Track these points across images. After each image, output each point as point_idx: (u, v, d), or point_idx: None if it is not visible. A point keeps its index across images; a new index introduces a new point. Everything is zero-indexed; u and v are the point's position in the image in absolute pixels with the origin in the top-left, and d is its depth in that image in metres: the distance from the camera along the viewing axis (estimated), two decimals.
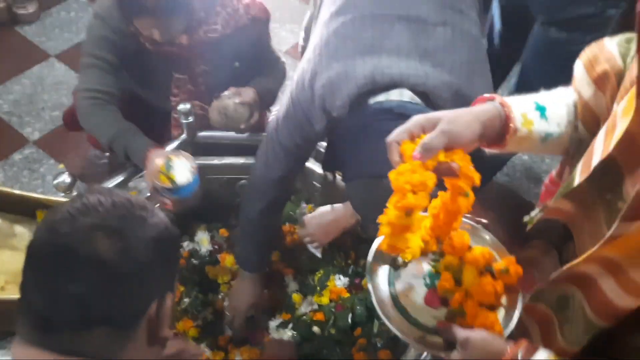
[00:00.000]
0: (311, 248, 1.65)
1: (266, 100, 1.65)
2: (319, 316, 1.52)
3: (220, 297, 1.63)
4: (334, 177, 1.58)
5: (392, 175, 0.70)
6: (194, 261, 1.65)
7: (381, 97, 1.03)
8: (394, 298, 0.82)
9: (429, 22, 1.08)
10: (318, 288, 1.59)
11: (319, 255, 1.64)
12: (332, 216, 1.59)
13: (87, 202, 0.71)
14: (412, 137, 0.72)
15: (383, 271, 0.84)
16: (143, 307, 0.71)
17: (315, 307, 1.56)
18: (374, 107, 1.03)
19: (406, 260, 0.82)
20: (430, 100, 1.03)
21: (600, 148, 0.68)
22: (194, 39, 1.49)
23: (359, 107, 1.05)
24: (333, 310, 1.52)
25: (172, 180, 1.33)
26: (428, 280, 0.83)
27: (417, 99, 1.03)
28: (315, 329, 1.50)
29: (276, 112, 1.30)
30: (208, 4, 1.48)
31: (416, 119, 0.73)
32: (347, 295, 1.55)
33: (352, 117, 1.06)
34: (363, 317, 1.48)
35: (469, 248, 0.82)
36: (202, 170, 1.65)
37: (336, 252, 1.65)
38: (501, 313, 0.78)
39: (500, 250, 0.83)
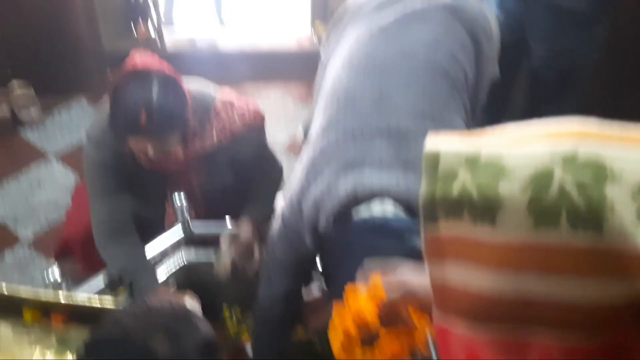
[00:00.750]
0: None
1: (264, 226, 1.59)
2: None
3: None
4: None
5: (350, 290, 0.78)
6: None
7: (364, 211, 1.04)
8: None
9: (409, 133, 1.10)
10: None
11: None
12: None
13: (151, 304, 0.80)
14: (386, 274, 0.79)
15: None
16: None
17: None
18: (358, 224, 1.04)
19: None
20: (414, 211, 1.02)
21: None
22: (190, 152, 1.48)
23: (344, 222, 1.06)
24: None
25: None
26: None
27: (400, 211, 1.03)
28: None
29: (271, 230, 1.31)
30: (202, 116, 1.47)
31: (406, 275, 0.79)
32: None
33: (337, 233, 1.07)
34: None
35: None
36: (200, 268, 1.62)
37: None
38: None
39: None
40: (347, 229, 1.05)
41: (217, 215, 1.64)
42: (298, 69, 2.83)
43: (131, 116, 1.30)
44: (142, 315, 0.77)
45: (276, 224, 1.26)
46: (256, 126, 1.56)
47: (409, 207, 1.03)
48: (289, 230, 1.20)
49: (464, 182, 0.51)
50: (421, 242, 0.56)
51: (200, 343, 0.77)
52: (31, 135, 2.65)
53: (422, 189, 0.53)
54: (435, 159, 0.53)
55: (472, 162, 0.51)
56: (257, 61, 2.93)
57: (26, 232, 2.24)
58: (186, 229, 1.63)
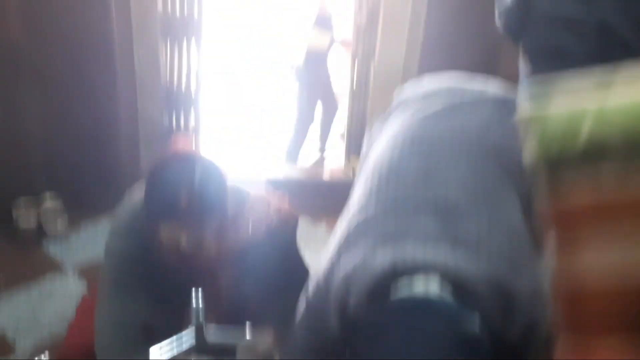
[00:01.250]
0: None
1: (284, 334, 1.50)
2: None
3: None
4: None
5: None
6: None
7: (404, 287, 0.87)
8: None
9: (459, 208, 0.98)
10: None
11: None
12: None
13: None
14: None
15: None
16: None
17: None
18: (396, 303, 0.88)
19: None
20: (465, 293, 0.86)
21: None
22: (222, 246, 1.40)
23: (379, 302, 0.90)
24: None
25: None
26: None
27: (447, 293, 0.86)
28: None
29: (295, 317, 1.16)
30: (237, 209, 1.43)
31: None
32: None
33: (370, 314, 0.91)
34: None
35: None
36: None
37: None
38: None
39: None
40: (382, 309, 0.89)
41: (236, 319, 1.50)
42: (329, 197, 2.83)
43: (170, 199, 1.25)
44: None
45: (299, 313, 1.11)
46: (290, 223, 1.51)
47: (458, 288, 0.87)
48: (311, 314, 1.05)
49: (593, 129, 0.40)
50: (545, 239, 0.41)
51: None
52: (52, 248, 2.60)
53: (535, 149, 0.42)
54: (542, 113, 0.43)
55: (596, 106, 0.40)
56: (289, 189, 2.95)
57: (25, 343, 2.06)
58: (199, 336, 1.47)
